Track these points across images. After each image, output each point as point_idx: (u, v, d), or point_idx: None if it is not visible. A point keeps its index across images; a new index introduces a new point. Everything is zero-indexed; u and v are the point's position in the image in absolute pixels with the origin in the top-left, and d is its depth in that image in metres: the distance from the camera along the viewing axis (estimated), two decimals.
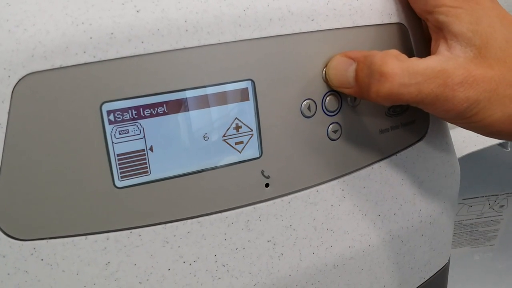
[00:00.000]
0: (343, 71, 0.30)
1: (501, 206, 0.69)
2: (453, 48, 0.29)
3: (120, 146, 0.27)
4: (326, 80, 0.31)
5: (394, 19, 0.33)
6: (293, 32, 0.29)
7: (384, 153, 0.34)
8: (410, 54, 0.34)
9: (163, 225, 0.28)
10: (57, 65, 0.25)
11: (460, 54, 0.29)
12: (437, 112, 0.29)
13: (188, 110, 0.28)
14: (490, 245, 0.73)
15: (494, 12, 0.29)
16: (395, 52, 0.29)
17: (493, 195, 0.67)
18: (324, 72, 0.31)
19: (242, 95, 0.29)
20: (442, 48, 0.29)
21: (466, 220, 0.69)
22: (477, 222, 0.70)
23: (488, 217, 0.70)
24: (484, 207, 0.68)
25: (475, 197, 0.67)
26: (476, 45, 0.28)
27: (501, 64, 0.28)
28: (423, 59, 0.29)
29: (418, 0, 0.31)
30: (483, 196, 0.67)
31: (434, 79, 0.28)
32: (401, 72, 0.28)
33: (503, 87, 0.28)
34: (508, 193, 0.67)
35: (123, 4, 0.26)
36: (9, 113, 0.25)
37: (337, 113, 0.32)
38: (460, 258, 0.72)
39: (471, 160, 0.52)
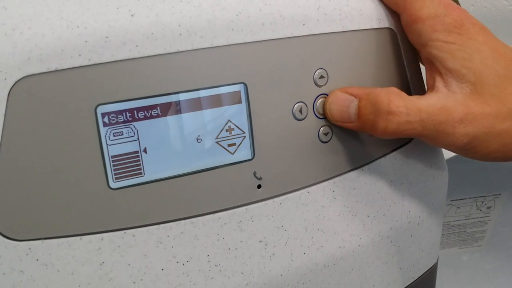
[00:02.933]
0: (345, 107, 0.31)
1: (489, 208, 0.70)
2: (449, 84, 0.30)
3: (115, 148, 0.27)
4: (326, 114, 0.32)
5: (384, 24, 0.33)
6: (285, 37, 0.30)
7: (374, 156, 0.35)
8: (399, 59, 0.34)
9: (156, 226, 0.28)
10: (52, 68, 0.25)
11: (457, 90, 0.30)
12: (439, 145, 0.31)
13: (181, 113, 0.28)
14: (478, 245, 0.74)
15: (486, 46, 0.30)
16: (396, 90, 0.30)
17: (480, 197, 0.68)
18: (322, 105, 0.32)
19: (235, 98, 0.29)
20: (439, 84, 0.31)
21: (454, 221, 0.70)
22: (465, 223, 0.71)
23: (476, 218, 0.71)
24: (472, 208, 0.69)
25: (463, 199, 0.68)
26: (471, 82, 0.30)
27: (495, 100, 0.30)
28: (424, 96, 0.30)
29: (412, 33, 0.32)
30: (470, 198, 0.68)
31: (436, 116, 0.29)
32: (407, 110, 0.29)
33: (499, 121, 0.29)
34: (496, 195, 0.68)
35: (118, 8, 0.27)
36: (5, 115, 0.25)
37: None
38: (449, 258, 0.73)
39: (459, 162, 0.53)
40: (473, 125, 0.29)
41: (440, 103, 0.29)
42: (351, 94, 0.31)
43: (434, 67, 0.31)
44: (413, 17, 0.31)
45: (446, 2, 0.31)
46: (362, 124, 0.31)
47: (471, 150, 0.30)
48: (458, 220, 0.70)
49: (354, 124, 0.31)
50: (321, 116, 0.32)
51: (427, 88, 0.32)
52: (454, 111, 0.29)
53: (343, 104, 0.31)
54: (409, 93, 0.35)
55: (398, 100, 0.29)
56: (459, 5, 0.68)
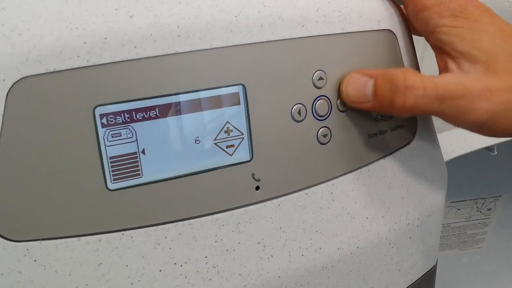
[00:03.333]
0: (362, 86, 0.31)
1: (489, 209, 0.70)
2: (462, 65, 0.31)
3: (113, 149, 0.27)
4: (342, 97, 0.32)
5: (383, 25, 0.33)
6: (284, 38, 0.30)
7: (373, 157, 0.35)
8: (399, 61, 0.34)
9: (154, 227, 0.29)
10: (51, 69, 0.25)
11: (471, 70, 0.30)
12: (459, 124, 0.31)
13: (180, 114, 0.28)
14: (478, 247, 0.74)
15: (493, 27, 0.31)
16: (411, 69, 0.31)
17: (481, 198, 0.68)
18: (338, 88, 0.32)
19: (233, 100, 0.29)
20: (452, 65, 0.31)
21: (454, 223, 0.70)
22: (465, 225, 0.71)
23: (476, 220, 0.71)
24: (472, 210, 0.69)
25: (463, 200, 0.68)
26: (484, 61, 0.30)
27: (509, 76, 0.30)
28: (438, 76, 0.30)
29: (419, 21, 0.32)
30: (471, 199, 0.68)
31: (453, 91, 0.29)
32: (423, 84, 0.29)
33: None
34: (496, 196, 0.68)
35: (116, 9, 0.27)
36: (3, 116, 0.25)
37: (327, 117, 0.32)
38: (449, 260, 0.73)
39: (459, 163, 0.53)
40: (491, 101, 0.29)
41: (456, 80, 0.30)
42: (367, 75, 0.31)
43: (444, 51, 0.31)
44: (419, 6, 0.32)
45: None
46: (380, 102, 0.31)
47: (490, 128, 0.31)
48: (458, 222, 0.70)
49: (371, 103, 0.31)
50: (319, 118, 0.32)
51: (439, 72, 0.33)
52: (471, 87, 0.29)
53: (359, 83, 0.31)
54: None
55: (414, 75, 0.30)
56: None
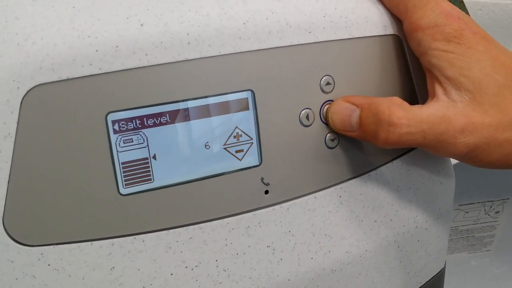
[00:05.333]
0: (347, 116, 0.31)
1: (497, 212, 0.69)
2: (449, 92, 0.30)
3: (125, 155, 0.28)
4: (328, 123, 0.32)
5: (389, 31, 0.34)
6: (291, 44, 0.30)
7: (380, 161, 0.35)
8: (405, 65, 0.35)
9: (166, 231, 0.29)
10: (64, 77, 0.26)
11: (457, 98, 0.30)
12: (440, 154, 0.31)
13: (190, 120, 0.29)
14: (486, 250, 0.73)
15: (486, 56, 0.30)
16: (398, 100, 0.30)
17: (488, 201, 0.68)
18: (325, 113, 0.32)
19: (242, 105, 0.30)
20: (439, 91, 0.31)
21: (462, 226, 0.70)
22: (473, 228, 0.71)
23: (484, 223, 0.70)
24: (480, 213, 0.69)
25: (471, 203, 0.68)
26: (470, 90, 0.30)
27: (496, 109, 0.30)
28: (425, 106, 0.30)
29: (412, 40, 0.32)
30: (479, 202, 0.68)
31: (437, 126, 0.29)
32: (408, 121, 0.29)
33: (500, 131, 0.30)
34: (504, 199, 0.68)
35: (127, 18, 0.27)
36: (18, 123, 0.26)
37: None
38: (457, 263, 0.73)
39: (466, 166, 0.53)
40: (473, 135, 0.29)
41: (441, 113, 0.30)
42: (353, 104, 0.31)
43: (434, 75, 0.31)
44: (414, 26, 0.32)
45: (447, 11, 0.31)
46: (364, 133, 0.31)
47: (473, 159, 0.31)
48: (466, 225, 0.70)
49: (356, 133, 0.31)
50: (327, 123, 0.32)
51: (428, 96, 0.32)
52: (454, 121, 0.29)
53: (345, 113, 0.31)
54: (415, 99, 0.36)
55: (400, 111, 0.29)
56: (466, 9, 0.68)
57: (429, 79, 0.32)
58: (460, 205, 0.67)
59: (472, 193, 0.66)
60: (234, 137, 0.30)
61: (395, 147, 0.30)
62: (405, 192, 0.36)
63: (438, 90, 0.31)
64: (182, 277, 0.30)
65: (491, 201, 0.68)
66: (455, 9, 0.31)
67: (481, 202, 0.68)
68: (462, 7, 0.69)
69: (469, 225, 0.70)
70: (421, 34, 0.31)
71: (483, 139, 0.29)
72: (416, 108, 0.30)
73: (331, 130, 0.32)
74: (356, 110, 0.31)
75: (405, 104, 0.30)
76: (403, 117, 0.29)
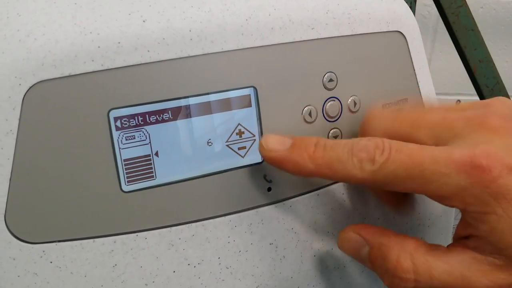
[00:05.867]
0: (356, 250, 0.29)
1: None
2: (482, 249, 0.25)
3: (127, 152, 0.28)
4: (338, 247, 0.31)
5: (392, 27, 0.33)
6: (294, 41, 0.30)
7: None
8: (408, 62, 0.34)
9: (168, 228, 0.29)
10: (66, 73, 0.26)
11: (488, 259, 0.25)
12: None
13: (192, 116, 0.29)
14: None
15: None
16: (412, 244, 0.27)
17: None
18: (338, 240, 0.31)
19: (245, 102, 0.30)
20: (470, 244, 0.26)
21: None
22: None
23: None
24: None
25: None
26: (507, 256, 0.25)
27: None
28: (444, 255, 0.26)
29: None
30: None
31: (452, 284, 0.25)
32: (415, 277, 0.26)
33: None
34: None
35: (129, 14, 0.27)
36: (20, 119, 0.25)
37: (337, 119, 0.32)
38: None
39: None
40: None
41: (460, 272, 0.25)
42: (364, 238, 0.29)
43: (470, 225, 0.26)
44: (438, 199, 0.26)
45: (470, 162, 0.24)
46: (373, 269, 0.28)
47: None
48: None
49: (368, 266, 0.29)
50: (330, 119, 0.32)
51: (454, 235, 0.28)
52: (475, 283, 0.25)
53: (354, 246, 0.29)
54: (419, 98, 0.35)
55: (408, 263, 0.26)
56: (469, 10, 0.67)
57: (462, 221, 0.27)
58: None
59: None
60: (237, 134, 0.30)
61: None
62: None
63: (470, 242, 0.26)
64: (185, 275, 0.30)
65: None
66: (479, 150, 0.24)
67: None
68: (467, 11, 0.68)
69: None
70: (447, 202, 0.26)
71: None
72: (432, 259, 0.26)
73: (336, 126, 0.32)
74: (365, 246, 0.29)
75: (421, 250, 0.26)
76: (411, 271, 0.26)
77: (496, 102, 0.28)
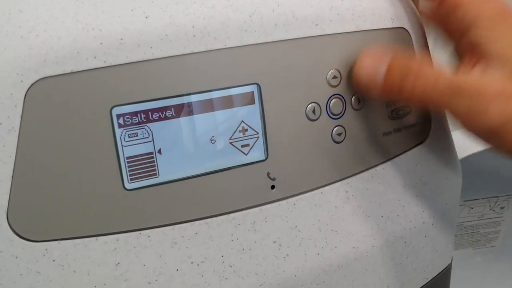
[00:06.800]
0: (375, 68, 0.30)
1: (502, 208, 0.69)
2: (489, 67, 0.29)
3: (130, 149, 0.27)
4: (353, 79, 0.31)
5: (397, 23, 0.33)
6: (298, 37, 0.30)
7: (387, 155, 0.35)
8: None
9: (171, 227, 0.29)
10: (68, 70, 0.26)
11: (496, 72, 0.28)
12: (470, 125, 0.29)
13: (195, 114, 0.28)
14: (491, 246, 0.73)
15: None
16: (431, 61, 0.30)
17: (493, 197, 0.68)
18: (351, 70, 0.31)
19: (248, 99, 0.29)
20: (478, 67, 0.29)
21: (467, 221, 0.69)
22: (478, 223, 0.70)
23: (489, 218, 0.70)
24: (485, 209, 0.69)
25: (475, 199, 0.67)
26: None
27: None
28: (459, 72, 0.29)
29: (453, 20, 0.31)
30: (483, 198, 0.67)
31: (468, 89, 0.28)
32: (436, 78, 0.28)
33: None
34: (509, 195, 0.68)
35: (132, 10, 0.27)
36: (22, 117, 0.25)
37: (341, 116, 0.32)
38: (462, 259, 0.73)
39: (472, 161, 0.53)
40: (508, 104, 0.27)
41: (473, 79, 0.28)
42: (380, 57, 0.31)
43: (474, 53, 0.30)
44: (457, 2, 0.30)
45: None
46: (389, 87, 0.30)
47: (502, 136, 0.28)
48: (471, 221, 0.70)
49: (379, 89, 0.30)
50: (334, 117, 0.32)
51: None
52: (488, 87, 0.28)
53: (373, 64, 0.31)
54: None
55: (430, 68, 0.29)
56: None
57: (467, 60, 0.30)
58: (465, 200, 0.67)
59: (477, 189, 0.66)
60: (240, 131, 0.30)
61: (420, 105, 0.30)
62: (412, 187, 0.36)
63: (478, 66, 0.29)
64: (188, 273, 0.29)
65: (496, 196, 0.68)
66: None
67: (486, 198, 0.68)
68: None
69: (474, 221, 0.70)
70: (465, 9, 0.30)
71: None
72: (449, 71, 0.29)
73: (340, 123, 0.32)
74: (385, 58, 0.30)
75: (438, 66, 0.29)
76: (433, 73, 0.28)
77: None
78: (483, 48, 0.29)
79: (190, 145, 0.29)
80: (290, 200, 0.31)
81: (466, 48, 0.31)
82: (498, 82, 0.28)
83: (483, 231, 0.71)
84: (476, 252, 0.73)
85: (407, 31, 0.34)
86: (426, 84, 0.28)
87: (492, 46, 0.29)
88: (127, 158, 0.27)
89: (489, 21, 0.29)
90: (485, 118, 0.28)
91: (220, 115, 0.29)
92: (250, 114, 0.30)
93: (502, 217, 0.70)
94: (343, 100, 0.32)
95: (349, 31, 0.32)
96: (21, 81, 0.25)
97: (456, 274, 0.71)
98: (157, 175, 0.28)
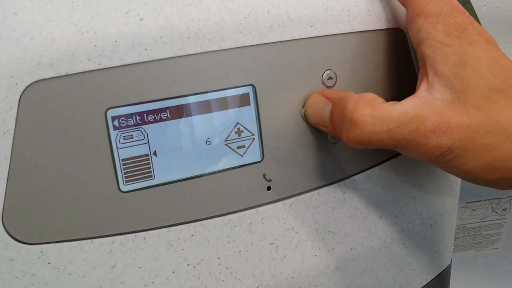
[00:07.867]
0: (320, 111, 0.30)
1: (504, 210, 0.69)
2: (433, 89, 0.28)
3: (125, 151, 0.27)
4: (304, 117, 0.31)
5: (392, 24, 0.33)
6: (293, 38, 0.30)
7: (385, 156, 0.35)
8: (408, 59, 0.34)
9: (167, 228, 0.29)
10: (63, 72, 0.26)
11: (438, 96, 0.28)
12: (412, 156, 0.29)
13: (190, 115, 0.28)
14: (493, 248, 0.73)
15: (486, 55, 0.28)
16: (370, 96, 0.28)
17: (496, 199, 0.67)
18: (302, 111, 0.31)
19: (243, 100, 0.29)
20: (423, 87, 0.29)
21: (469, 223, 0.69)
22: (480, 225, 0.70)
23: (491, 220, 0.70)
24: (487, 211, 0.68)
25: (477, 201, 0.67)
26: (456, 90, 0.28)
27: (479, 112, 0.27)
28: (399, 103, 0.28)
29: (412, 29, 0.30)
30: (486, 200, 0.67)
31: (406, 125, 0.27)
32: (372, 120, 0.27)
33: (479, 135, 0.27)
34: (511, 197, 0.68)
35: (126, 12, 0.27)
36: (16, 119, 0.25)
37: None
38: (464, 261, 0.72)
39: None
40: (447, 136, 0.27)
41: (413, 111, 0.27)
42: (327, 98, 0.30)
43: (425, 69, 0.29)
44: (417, 11, 0.29)
45: (454, 4, 0.29)
46: (333, 129, 0.30)
47: (447, 164, 0.28)
48: (473, 223, 0.69)
49: (329, 128, 0.30)
50: None
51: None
52: (427, 120, 0.27)
53: (318, 107, 0.30)
54: None
55: (365, 109, 0.28)
56: (475, 13, 0.67)
57: (420, 74, 0.30)
58: (467, 202, 0.67)
59: (479, 191, 0.66)
60: (236, 133, 0.30)
61: (362, 147, 0.28)
62: (410, 188, 0.36)
63: (423, 86, 0.29)
64: (184, 275, 0.29)
65: (498, 198, 0.67)
66: (462, 7, 0.30)
67: (488, 200, 0.67)
68: (471, 8, 0.68)
69: (476, 223, 0.69)
70: (422, 21, 0.29)
71: (458, 141, 0.27)
72: (388, 106, 0.28)
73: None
74: (328, 104, 0.30)
75: (378, 100, 0.28)
76: (368, 115, 0.27)
77: None
78: (429, 67, 0.29)
79: (185, 147, 0.29)
80: (286, 201, 0.31)
81: (419, 59, 0.30)
82: (437, 111, 0.27)
83: (485, 233, 0.71)
84: (478, 254, 0.73)
85: (403, 32, 0.34)
86: (362, 129, 0.28)
87: (436, 66, 0.28)
88: (123, 160, 0.27)
89: (442, 39, 0.28)
90: (424, 150, 0.28)
91: (215, 116, 0.29)
92: (245, 116, 0.30)
93: (504, 219, 0.70)
94: None
95: (345, 32, 0.32)
96: (16, 84, 0.25)
97: (458, 276, 0.71)
98: (153, 177, 0.28)
